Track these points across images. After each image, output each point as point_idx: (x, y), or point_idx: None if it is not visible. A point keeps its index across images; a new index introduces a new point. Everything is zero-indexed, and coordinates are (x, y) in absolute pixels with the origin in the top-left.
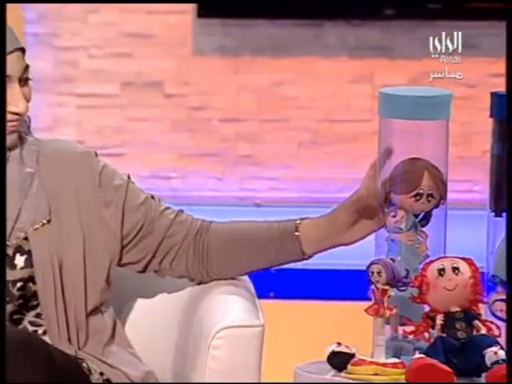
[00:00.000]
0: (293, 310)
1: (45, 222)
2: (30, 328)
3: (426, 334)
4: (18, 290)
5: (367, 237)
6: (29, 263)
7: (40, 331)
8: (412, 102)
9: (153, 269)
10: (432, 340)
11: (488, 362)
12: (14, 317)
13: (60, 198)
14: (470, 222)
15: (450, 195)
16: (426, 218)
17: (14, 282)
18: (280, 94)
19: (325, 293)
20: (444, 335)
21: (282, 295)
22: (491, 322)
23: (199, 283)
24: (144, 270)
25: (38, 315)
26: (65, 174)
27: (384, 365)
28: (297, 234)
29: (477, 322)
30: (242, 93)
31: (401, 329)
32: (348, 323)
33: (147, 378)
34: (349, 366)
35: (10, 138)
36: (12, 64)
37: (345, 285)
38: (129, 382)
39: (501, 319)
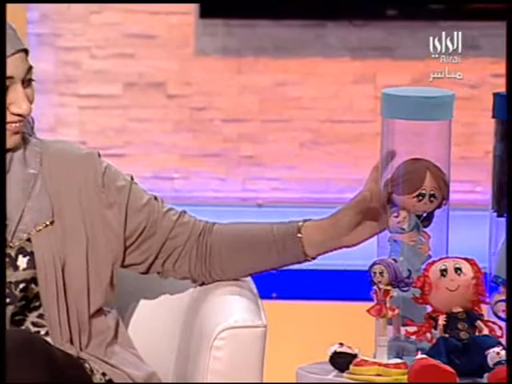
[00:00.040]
0: (295, 311)
1: (48, 223)
2: (33, 329)
3: (429, 335)
4: (21, 291)
5: (370, 239)
6: (31, 264)
7: (42, 332)
8: (414, 103)
9: (156, 270)
10: (434, 340)
11: (490, 363)
12: (16, 318)
13: (63, 199)
14: (473, 223)
15: (452, 196)
16: (428, 219)
17: (17, 284)
18: (282, 94)
19: (327, 293)
20: (446, 336)
21: (285, 296)
22: (493, 323)
23: (201, 284)
24: (147, 272)
25: (40, 316)
26: (68, 175)
27: (386, 365)
28: (299, 235)
29: (479, 323)
30: (244, 93)
31: (403, 329)
32: (350, 324)
33: (150, 378)
34: (351, 367)
35: (14, 139)
36: (15, 65)
37: (347, 285)
38: (131, 382)
39: (503, 320)
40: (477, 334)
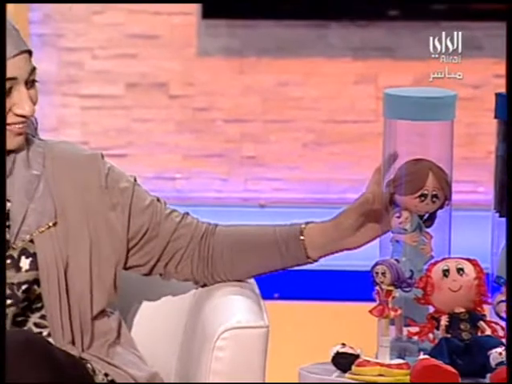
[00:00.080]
0: (297, 311)
1: (51, 224)
2: (35, 330)
3: (431, 335)
4: (23, 292)
5: (372, 241)
6: (34, 266)
7: (45, 333)
8: (417, 103)
9: (158, 272)
10: (436, 341)
11: (493, 363)
12: (19, 319)
13: (66, 200)
14: (475, 223)
15: (454, 196)
16: (430, 219)
17: (19, 285)
18: (284, 94)
19: (329, 294)
20: (448, 336)
21: (287, 296)
22: (496, 323)
23: (203, 286)
24: (149, 273)
25: (42, 317)
26: (71, 176)
27: (389, 366)
28: (302, 238)
29: (481, 323)
30: (246, 94)
31: (405, 330)
32: (352, 324)
33: (152, 378)
34: (353, 367)
35: (17, 141)
36: (19, 66)
37: (349, 286)
38: (133, 382)
39: (505, 320)
40: (479, 334)
